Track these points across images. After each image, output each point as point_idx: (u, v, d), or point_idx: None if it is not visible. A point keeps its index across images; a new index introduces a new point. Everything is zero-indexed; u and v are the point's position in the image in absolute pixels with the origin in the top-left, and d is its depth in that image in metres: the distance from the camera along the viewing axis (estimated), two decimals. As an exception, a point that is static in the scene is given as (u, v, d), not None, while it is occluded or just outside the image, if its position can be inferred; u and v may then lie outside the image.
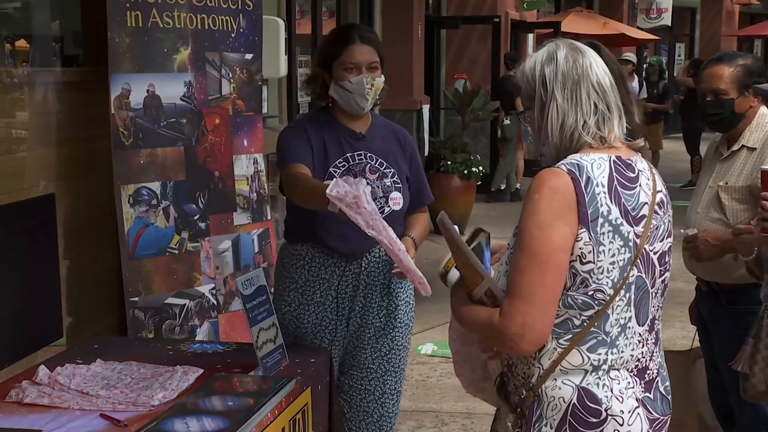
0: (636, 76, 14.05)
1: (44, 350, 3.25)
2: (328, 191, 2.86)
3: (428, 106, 10.51)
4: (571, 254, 2.15)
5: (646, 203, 2.24)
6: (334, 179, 2.94)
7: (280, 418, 2.76)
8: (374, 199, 3.26)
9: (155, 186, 4.10)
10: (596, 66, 2.27)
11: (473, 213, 10.53)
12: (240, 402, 2.66)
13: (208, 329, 4.27)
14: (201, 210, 4.28)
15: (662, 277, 2.31)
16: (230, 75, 4.47)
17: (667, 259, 2.32)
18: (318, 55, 3.51)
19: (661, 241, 2.28)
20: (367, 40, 3.43)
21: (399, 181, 3.44)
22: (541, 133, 2.27)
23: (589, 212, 2.15)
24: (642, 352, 2.27)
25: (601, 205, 2.16)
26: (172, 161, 4.18)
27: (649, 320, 2.28)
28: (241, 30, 4.51)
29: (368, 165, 3.40)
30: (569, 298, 2.18)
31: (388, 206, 3.38)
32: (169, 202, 4.14)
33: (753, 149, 3.52)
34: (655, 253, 2.26)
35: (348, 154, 3.39)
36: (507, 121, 12.52)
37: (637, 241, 2.20)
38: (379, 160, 3.43)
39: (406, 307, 3.52)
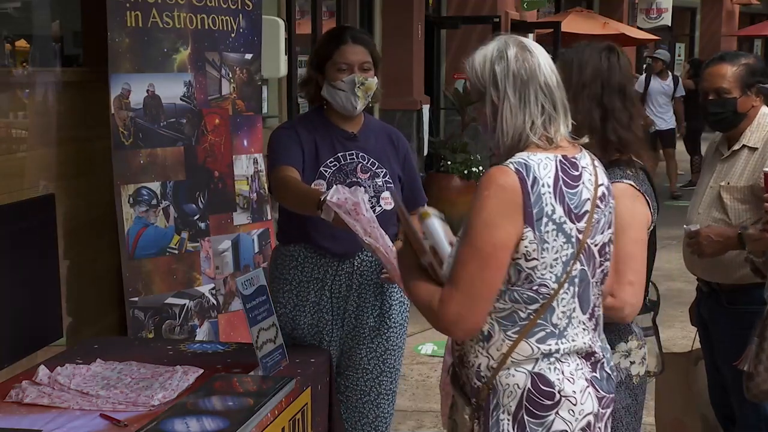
0: (670, 74, 12.98)
1: (44, 350, 3.25)
2: (328, 198, 2.87)
3: (428, 106, 10.51)
4: (516, 252, 2.23)
5: (589, 199, 2.31)
6: (334, 187, 2.96)
7: (280, 418, 2.76)
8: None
9: (155, 186, 4.10)
10: (544, 65, 2.33)
11: (473, 213, 10.51)
12: (240, 402, 2.66)
13: (208, 329, 4.27)
14: (201, 210, 4.28)
15: (602, 267, 2.39)
16: (230, 75, 4.47)
17: (607, 250, 2.40)
18: (311, 57, 3.53)
19: (602, 233, 2.36)
20: (360, 41, 3.46)
21: (391, 180, 3.46)
22: (495, 131, 2.33)
23: (534, 212, 2.22)
24: (585, 338, 2.35)
25: (546, 205, 2.23)
26: (172, 161, 4.18)
27: (590, 308, 2.37)
28: (241, 30, 4.51)
29: (360, 164, 3.41)
30: (515, 293, 2.26)
31: (380, 206, 3.40)
32: (169, 202, 4.14)
33: (754, 149, 3.51)
34: (596, 246, 2.34)
35: (339, 154, 3.41)
36: None
37: (580, 236, 2.28)
38: (371, 159, 3.44)
39: (400, 307, 3.52)
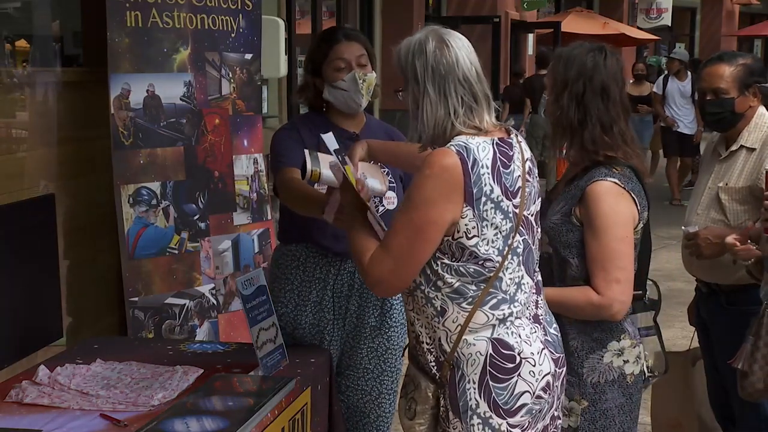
0: (689, 74, 12.28)
1: (44, 350, 3.25)
2: (320, 173, 2.91)
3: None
4: (458, 231, 2.38)
5: (520, 176, 2.46)
6: (310, 157, 2.97)
7: (280, 418, 2.76)
8: (369, 199, 3.26)
9: (155, 186, 4.10)
10: (463, 60, 2.46)
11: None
12: (240, 402, 2.66)
13: (208, 329, 4.27)
14: (201, 210, 4.28)
15: (538, 233, 2.58)
16: (230, 75, 4.47)
17: (539, 217, 2.58)
18: (306, 62, 3.50)
19: (534, 203, 2.53)
20: (353, 38, 3.47)
21: (393, 180, 3.46)
22: (417, 121, 2.47)
23: (474, 191, 2.37)
24: (532, 301, 2.52)
25: (485, 185, 2.38)
26: (172, 161, 4.18)
27: (532, 273, 2.53)
28: (241, 30, 4.51)
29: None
30: (461, 268, 2.41)
31: (383, 206, 3.40)
32: (168, 202, 4.14)
33: (752, 149, 3.51)
34: (531, 215, 2.51)
35: (343, 155, 3.38)
36: (528, 120, 12.67)
37: (516, 211, 2.44)
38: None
39: (400, 306, 3.52)
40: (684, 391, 3.85)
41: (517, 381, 2.44)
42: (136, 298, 4.00)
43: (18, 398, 2.72)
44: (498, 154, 2.42)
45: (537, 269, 2.58)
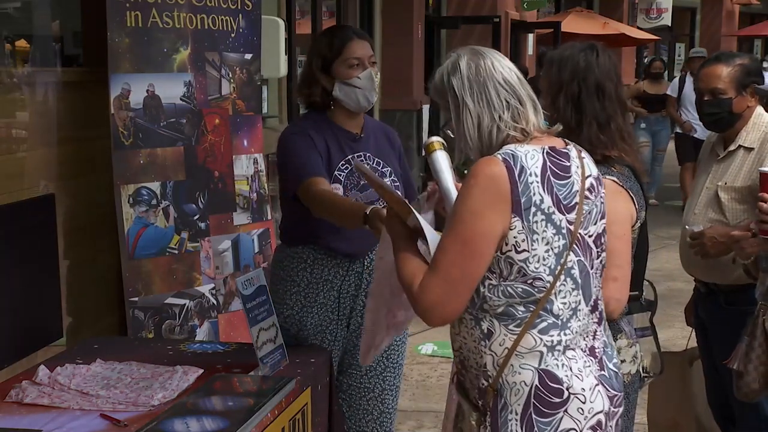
0: None
1: (44, 350, 3.25)
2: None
3: (428, 106, 10.51)
4: (506, 244, 2.24)
5: (578, 191, 2.31)
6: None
7: (280, 418, 2.76)
8: (377, 199, 3.28)
9: (155, 186, 4.10)
10: (500, 65, 2.37)
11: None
12: (240, 402, 2.66)
13: (208, 329, 4.27)
14: (201, 210, 4.28)
15: (599, 258, 2.39)
16: (230, 75, 4.47)
17: (602, 241, 2.40)
18: (315, 59, 3.39)
19: (595, 224, 2.36)
20: (363, 36, 3.45)
21: (396, 179, 3.46)
22: (461, 139, 2.38)
23: (522, 201, 2.23)
24: (589, 332, 2.35)
25: (534, 195, 2.24)
26: (172, 161, 4.18)
27: (592, 300, 2.35)
28: (241, 30, 4.52)
29: (369, 166, 3.39)
30: (508, 288, 2.26)
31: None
32: (168, 202, 4.14)
33: (750, 149, 3.52)
34: (590, 236, 2.34)
35: (349, 156, 3.38)
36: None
37: (571, 227, 2.28)
38: (377, 159, 3.44)
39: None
40: (681, 391, 3.86)
41: (562, 417, 2.26)
42: (136, 298, 4.00)
43: (18, 398, 2.72)
44: (549, 164, 2.28)
45: (600, 298, 2.41)
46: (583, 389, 2.28)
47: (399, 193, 2.33)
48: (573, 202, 2.29)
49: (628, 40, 17.28)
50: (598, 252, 2.37)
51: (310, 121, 3.44)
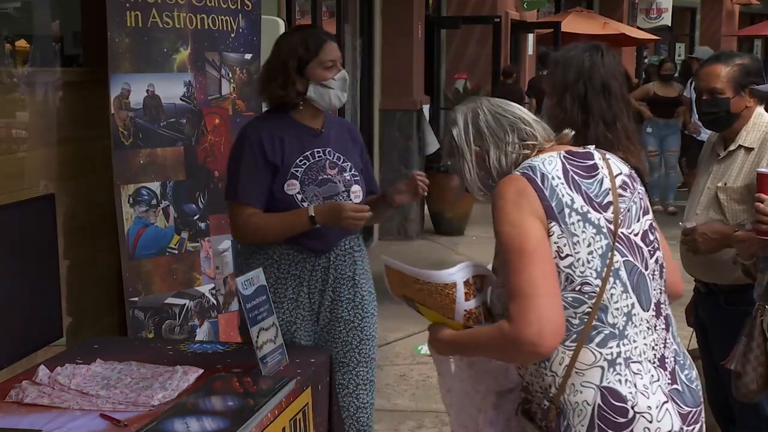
0: None
1: (44, 350, 3.25)
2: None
3: (428, 106, 10.51)
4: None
5: (609, 189, 2.26)
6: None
7: (280, 418, 2.76)
8: (336, 194, 3.40)
9: (155, 186, 4.10)
10: (493, 101, 2.40)
11: (473, 213, 10.54)
12: (240, 402, 2.66)
13: (208, 329, 4.27)
14: (201, 210, 4.28)
15: (654, 257, 2.29)
16: (230, 75, 4.47)
17: (652, 238, 2.31)
18: (290, 60, 3.38)
19: (638, 221, 2.28)
20: (332, 38, 3.49)
21: (357, 174, 3.51)
22: (468, 186, 2.39)
23: (553, 205, 2.19)
24: (654, 339, 2.24)
25: (563, 196, 2.20)
26: (172, 161, 4.18)
27: (653, 304, 2.26)
28: (241, 30, 4.52)
29: (327, 161, 3.44)
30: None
31: (350, 199, 3.44)
32: (168, 202, 4.14)
33: (750, 149, 3.52)
34: (635, 235, 2.26)
35: (308, 152, 3.41)
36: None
37: (611, 226, 2.21)
38: (337, 154, 3.47)
39: (370, 297, 3.58)
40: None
41: None
42: (136, 298, 4.00)
43: (18, 398, 2.72)
44: (568, 165, 2.26)
45: (663, 302, 2.32)
46: (650, 407, 2.17)
47: (434, 276, 2.25)
48: (606, 200, 2.24)
49: (628, 40, 17.29)
50: (650, 251, 2.28)
51: (270, 121, 3.45)
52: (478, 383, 2.46)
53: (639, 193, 2.33)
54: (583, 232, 2.18)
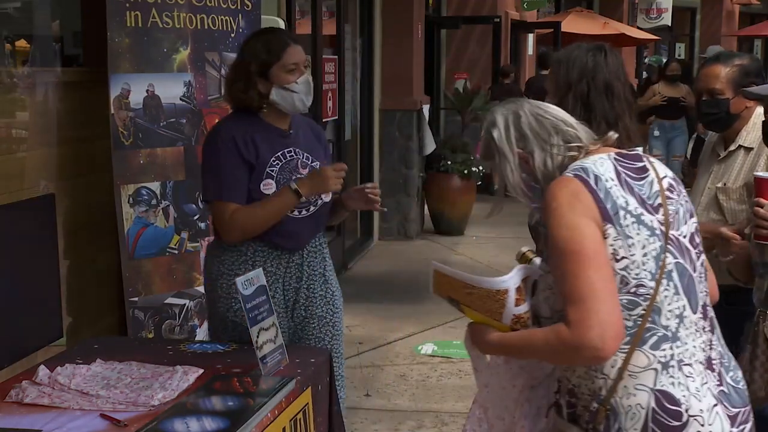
0: None
1: (44, 350, 3.25)
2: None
3: (428, 106, 10.51)
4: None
5: (659, 191, 2.25)
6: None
7: (281, 418, 2.76)
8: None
9: (155, 186, 4.10)
10: (534, 102, 2.36)
11: (473, 213, 10.54)
12: (240, 402, 2.66)
13: (208, 329, 4.27)
14: (201, 210, 4.28)
15: (699, 260, 2.29)
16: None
17: (698, 241, 2.31)
18: (252, 63, 3.40)
19: (686, 223, 2.28)
20: (297, 41, 3.50)
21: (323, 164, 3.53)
22: (509, 188, 2.34)
23: (608, 207, 2.16)
24: (702, 341, 2.23)
25: (617, 198, 2.18)
26: (172, 161, 4.18)
27: (700, 306, 2.25)
28: (241, 30, 4.52)
29: (299, 160, 3.46)
30: None
31: (321, 198, 3.47)
32: (168, 202, 4.14)
33: (750, 149, 3.52)
34: (684, 237, 2.25)
35: (279, 153, 3.43)
36: None
37: (662, 228, 2.20)
38: (306, 154, 3.49)
39: (339, 293, 3.63)
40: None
41: None
42: (136, 298, 4.00)
43: (18, 398, 2.72)
44: (620, 167, 2.23)
45: (708, 304, 2.29)
46: (701, 410, 2.15)
47: (486, 283, 2.23)
48: (657, 202, 2.23)
49: (628, 40, 17.30)
50: (696, 253, 2.28)
51: (239, 121, 3.46)
52: (514, 378, 2.50)
53: (684, 195, 2.33)
54: (638, 234, 2.17)
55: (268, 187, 3.37)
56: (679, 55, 23.80)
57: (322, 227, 3.57)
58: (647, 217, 2.19)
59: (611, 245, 2.15)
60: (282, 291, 3.47)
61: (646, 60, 21.42)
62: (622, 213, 2.16)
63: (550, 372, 2.49)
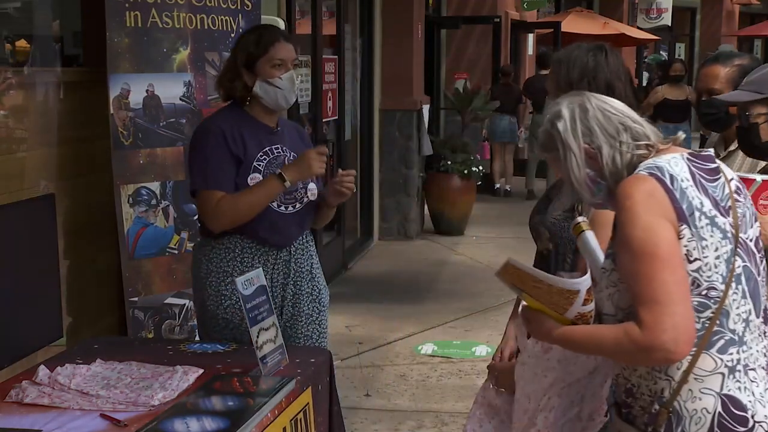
0: None
1: (44, 350, 3.25)
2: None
3: (428, 106, 10.51)
4: None
5: (729, 194, 2.22)
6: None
7: (281, 418, 2.76)
8: (296, 190, 3.45)
9: (155, 186, 4.10)
10: (600, 97, 2.31)
11: (473, 213, 10.54)
12: (240, 402, 2.66)
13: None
14: (201, 210, 4.28)
15: (762, 264, 2.26)
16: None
17: (761, 245, 2.28)
18: (240, 55, 3.47)
19: (752, 226, 2.26)
20: (288, 39, 3.53)
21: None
22: (569, 183, 2.28)
23: (684, 207, 2.12)
24: (765, 346, 2.21)
25: (693, 199, 2.14)
26: (172, 161, 4.18)
27: (762, 311, 2.22)
28: (241, 30, 4.51)
29: (286, 157, 3.48)
30: None
31: (307, 196, 3.50)
32: (168, 202, 4.14)
33: (750, 148, 3.52)
34: (750, 240, 2.23)
35: (267, 148, 3.46)
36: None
37: (733, 231, 2.17)
38: (292, 153, 3.51)
39: (325, 291, 3.63)
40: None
41: None
42: (136, 298, 4.00)
43: (18, 398, 2.72)
44: (693, 168, 2.19)
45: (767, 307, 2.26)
46: (766, 416, 2.12)
47: (559, 282, 2.19)
48: (728, 205, 2.19)
49: (628, 40, 17.30)
50: (760, 258, 2.24)
51: (227, 115, 3.50)
52: (548, 370, 2.52)
53: (748, 198, 2.31)
54: (711, 236, 2.14)
55: (255, 181, 3.40)
56: (679, 55, 23.81)
57: (308, 225, 3.59)
58: (720, 220, 2.16)
59: (685, 246, 2.11)
60: (270, 288, 3.46)
61: (647, 60, 21.43)
62: (697, 214, 2.13)
63: (589, 372, 2.49)
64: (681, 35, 24.87)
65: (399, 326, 6.75)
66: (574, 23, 16.05)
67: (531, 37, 15.75)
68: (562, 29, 14.47)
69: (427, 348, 6.30)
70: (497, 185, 12.82)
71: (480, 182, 10.72)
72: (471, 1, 13.85)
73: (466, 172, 10.19)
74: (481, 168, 10.58)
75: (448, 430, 4.97)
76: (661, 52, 22.92)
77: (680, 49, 24.41)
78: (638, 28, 19.68)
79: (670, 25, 21.67)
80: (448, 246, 9.63)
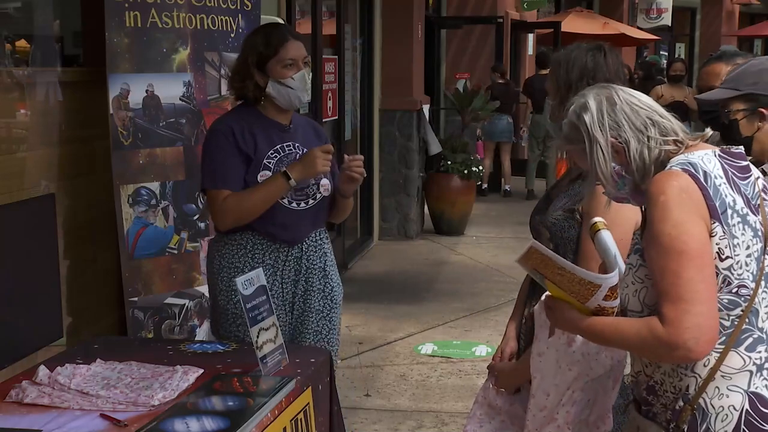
0: None
1: (44, 350, 3.25)
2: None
3: (428, 106, 10.51)
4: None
5: (758, 192, 2.20)
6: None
7: (281, 418, 2.76)
8: (307, 186, 3.46)
9: (154, 186, 4.10)
10: (628, 90, 2.28)
11: (473, 213, 10.54)
12: (240, 402, 2.66)
13: (207, 329, 4.27)
14: (200, 210, 4.28)
15: None
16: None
17: None
18: (250, 56, 3.47)
19: None
20: (298, 37, 3.54)
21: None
22: (594, 176, 2.25)
23: (717, 204, 2.10)
24: None
25: (726, 196, 2.12)
26: (172, 161, 4.18)
27: None
28: (240, 30, 4.52)
29: (297, 155, 3.48)
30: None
31: (320, 192, 3.50)
32: (168, 202, 4.14)
33: (751, 147, 3.52)
34: None
35: (278, 146, 3.47)
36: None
37: (763, 229, 2.15)
38: (304, 149, 3.50)
39: (339, 289, 3.62)
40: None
41: None
42: (136, 298, 4.00)
43: (18, 398, 2.72)
44: (726, 165, 2.17)
45: None
46: None
47: (583, 273, 2.19)
48: (758, 203, 2.18)
49: (628, 40, 17.30)
50: None
51: (239, 115, 3.51)
52: (572, 364, 2.49)
53: None
54: (743, 234, 2.12)
55: (265, 178, 3.39)
56: (679, 55, 23.80)
57: (321, 222, 3.58)
58: (751, 218, 2.15)
59: (717, 244, 2.09)
60: (280, 284, 3.47)
61: (647, 59, 21.42)
62: (729, 212, 2.11)
63: (608, 369, 2.48)
64: (681, 35, 24.87)
65: (399, 326, 6.75)
66: (574, 23, 16.05)
67: (531, 37, 15.76)
68: (562, 29, 14.47)
69: (427, 348, 6.31)
70: (484, 185, 12.61)
71: (480, 182, 10.71)
72: (471, 1, 13.86)
73: (466, 172, 10.19)
74: (481, 168, 10.59)
75: (448, 430, 4.97)
76: (661, 52, 22.91)
77: (680, 49, 24.41)
78: (638, 28, 19.68)
79: (670, 25, 21.67)
80: (448, 246, 9.63)
